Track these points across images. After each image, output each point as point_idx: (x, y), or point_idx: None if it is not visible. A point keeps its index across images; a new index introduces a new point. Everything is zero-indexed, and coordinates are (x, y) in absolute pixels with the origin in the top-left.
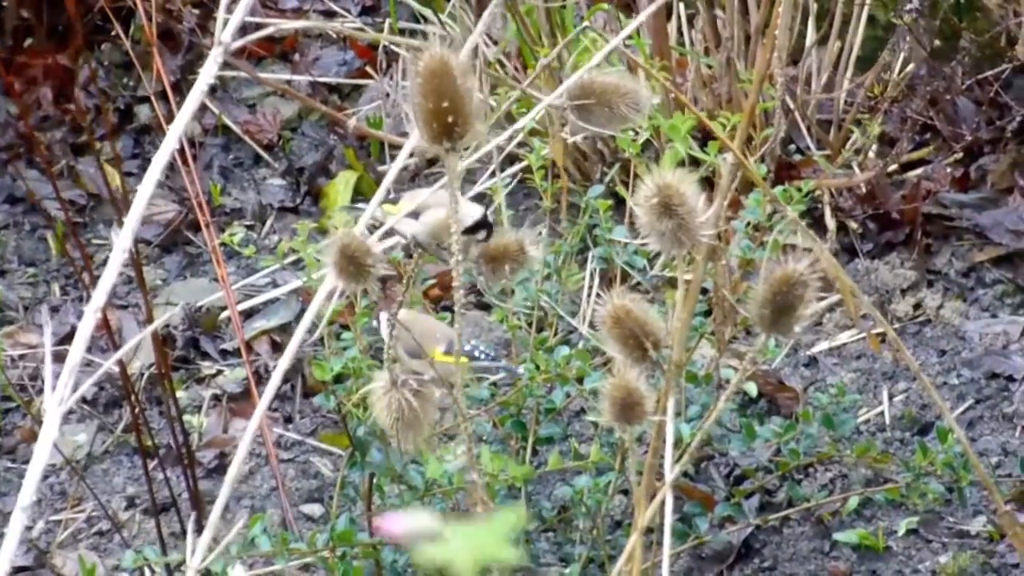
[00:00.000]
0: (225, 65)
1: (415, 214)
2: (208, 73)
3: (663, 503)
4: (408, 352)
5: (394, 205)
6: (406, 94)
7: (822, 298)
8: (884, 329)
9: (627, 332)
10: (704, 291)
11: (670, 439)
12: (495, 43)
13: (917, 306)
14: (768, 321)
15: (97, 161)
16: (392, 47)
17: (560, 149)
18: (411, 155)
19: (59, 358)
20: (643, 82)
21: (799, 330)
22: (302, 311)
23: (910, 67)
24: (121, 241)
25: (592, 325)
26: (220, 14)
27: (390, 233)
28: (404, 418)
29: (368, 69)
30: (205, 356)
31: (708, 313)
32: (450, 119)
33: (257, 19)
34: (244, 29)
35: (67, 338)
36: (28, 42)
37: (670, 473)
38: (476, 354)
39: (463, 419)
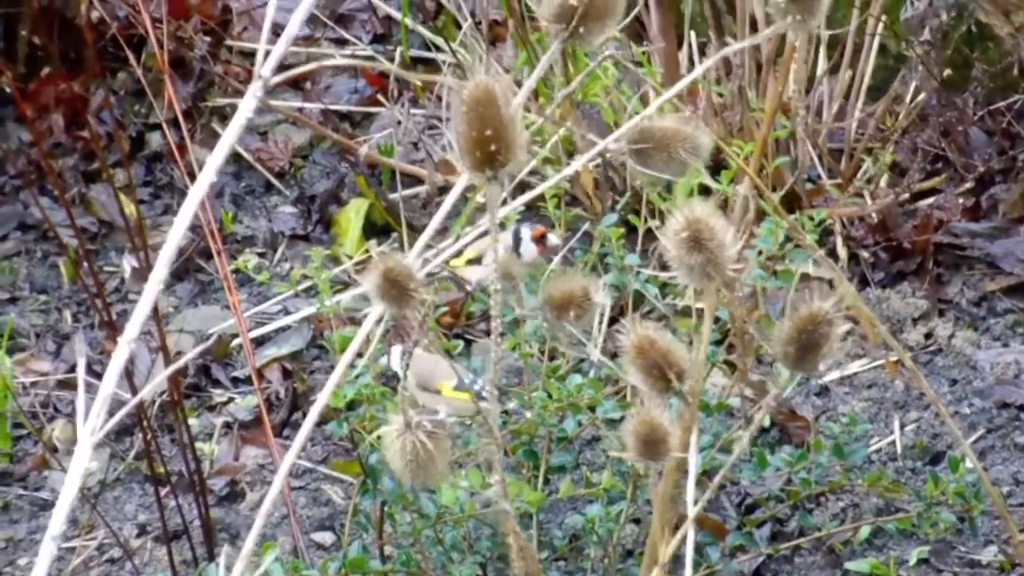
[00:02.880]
0: (236, 92)
1: (478, 260)
2: (247, 107)
3: (681, 535)
4: (419, 386)
5: (458, 258)
6: (418, 121)
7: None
8: (901, 357)
9: (651, 363)
10: (716, 320)
11: (693, 472)
12: (507, 71)
13: (928, 335)
14: (793, 359)
15: (112, 189)
16: (404, 75)
17: (589, 181)
18: (421, 183)
19: (70, 386)
20: (702, 127)
21: (823, 368)
22: (313, 339)
23: (921, 97)
24: (157, 272)
25: (604, 353)
26: (260, 48)
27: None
28: (419, 460)
29: (380, 97)
30: (216, 384)
31: (720, 342)
32: (493, 147)
33: (270, 47)
34: (255, 56)
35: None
36: (43, 70)
37: (692, 507)
38: (484, 394)
39: (496, 446)
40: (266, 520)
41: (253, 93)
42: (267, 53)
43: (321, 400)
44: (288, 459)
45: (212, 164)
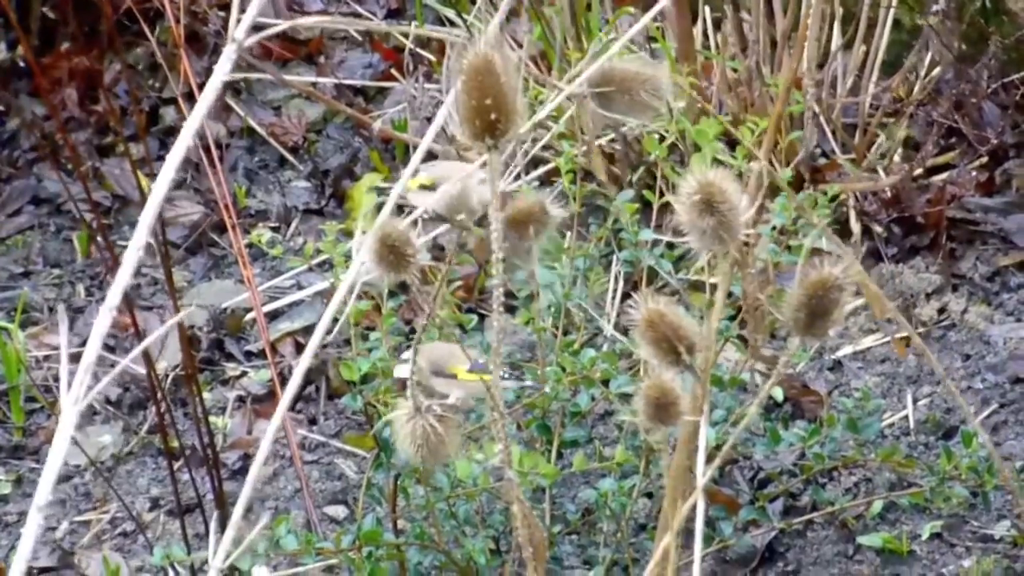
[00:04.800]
0: (250, 67)
1: (431, 187)
2: (222, 70)
3: (693, 506)
4: (434, 372)
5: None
6: (433, 96)
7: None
8: (909, 334)
9: (660, 336)
10: (728, 295)
11: (703, 442)
12: (520, 46)
13: (942, 310)
14: (802, 325)
15: (131, 162)
16: (418, 50)
17: (599, 164)
18: (435, 157)
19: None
20: (662, 67)
21: (832, 334)
22: None
23: (936, 71)
24: (135, 240)
25: (617, 328)
26: (234, 11)
27: (410, 208)
28: (429, 444)
29: (393, 72)
30: (230, 358)
31: (734, 317)
32: (493, 116)
33: (279, 21)
34: (262, 29)
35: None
36: (58, 43)
37: (702, 476)
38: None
39: (500, 417)
40: (276, 494)
41: (228, 55)
42: (289, 26)
43: (304, 361)
44: (275, 418)
45: (190, 126)
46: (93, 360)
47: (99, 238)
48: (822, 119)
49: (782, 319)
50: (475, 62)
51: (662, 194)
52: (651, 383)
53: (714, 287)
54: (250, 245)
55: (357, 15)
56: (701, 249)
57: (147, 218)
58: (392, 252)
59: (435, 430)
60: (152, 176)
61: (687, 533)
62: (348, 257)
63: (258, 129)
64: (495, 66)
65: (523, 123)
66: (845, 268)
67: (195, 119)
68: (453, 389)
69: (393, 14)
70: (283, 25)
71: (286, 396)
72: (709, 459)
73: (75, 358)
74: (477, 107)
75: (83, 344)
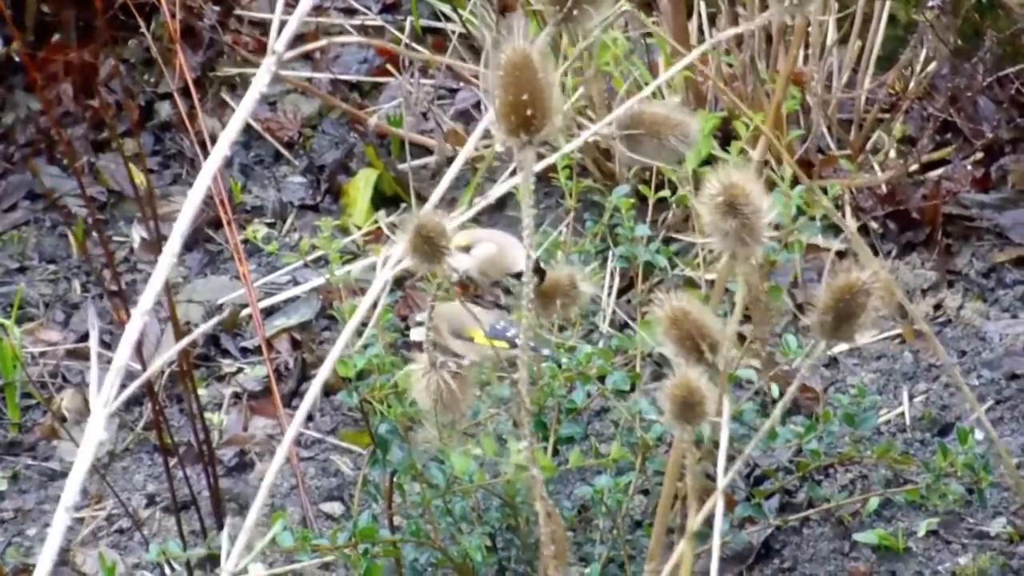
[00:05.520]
0: (246, 62)
1: (467, 248)
2: (260, 82)
3: (696, 505)
4: (452, 332)
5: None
6: (428, 91)
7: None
8: (920, 325)
9: (684, 334)
10: (724, 290)
11: (724, 441)
12: None
13: (937, 307)
14: (829, 328)
15: (123, 157)
16: (413, 44)
17: (595, 160)
18: (430, 153)
19: (79, 355)
20: (694, 114)
21: (858, 338)
22: (322, 309)
23: (931, 66)
24: (169, 247)
25: (613, 324)
26: (275, 21)
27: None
28: (443, 399)
29: (389, 67)
30: (226, 354)
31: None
32: (529, 112)
33: (283, 17)
34: (264, 25)
35: (87, 336)
36: (53, 38)
37: (722, 478)
38: (519, 341)
39: (526, 414)
40: (272, 490)
41: (267, 68)
42: (281, 26)
43: (325, 370)
44: (293, 428)
45: (226, 138)
46: (124, 364)
47: (94, 233)
48: (819, 115)
49: (808, 321)
50: (513, 57)
51: (658, 189)
52: (678, 382)
53: (710, 283)
54: (246, 241)
55: (352, 11)
56: (723, 251)
57: (181, 226)
58: (427, 243)
59: (449, 386)
60: (147, 172)
61: (682, 530)
62: (342, 254)
63: (254, 124)
64: (533, 62)
65: (559, 120)
66: (873, 272)
67: (231, 131)
68: (469, 352)
69: (389, 9)
70: (322, 43)
71: (304, 406)
72: (705, 457)
73: (71, 354)
74: (514, 103)
75: (79, 340)
